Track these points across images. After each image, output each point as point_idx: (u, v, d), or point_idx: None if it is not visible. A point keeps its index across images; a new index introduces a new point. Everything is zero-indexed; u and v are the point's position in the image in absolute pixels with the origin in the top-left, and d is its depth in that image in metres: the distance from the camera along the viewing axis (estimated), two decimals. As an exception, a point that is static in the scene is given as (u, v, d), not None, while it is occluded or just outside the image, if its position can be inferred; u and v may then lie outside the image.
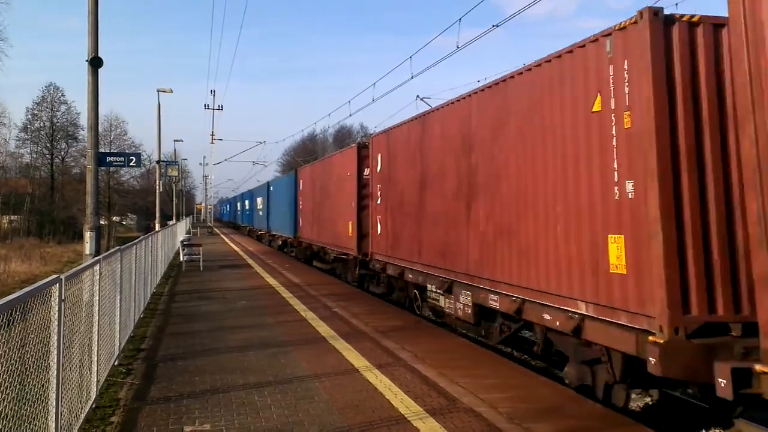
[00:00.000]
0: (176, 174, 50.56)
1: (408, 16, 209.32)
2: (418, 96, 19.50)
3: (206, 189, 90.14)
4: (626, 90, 6.72)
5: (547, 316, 8.18)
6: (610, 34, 6.97)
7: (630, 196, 6.61)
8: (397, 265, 14.46)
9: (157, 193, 35.39)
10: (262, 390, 7.51)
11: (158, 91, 33.78)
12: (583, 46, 7.49)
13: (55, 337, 4.98)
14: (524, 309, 8.81)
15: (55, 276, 5.17)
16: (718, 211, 6.32)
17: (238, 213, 71.17)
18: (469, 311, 10.54)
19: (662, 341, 6.04)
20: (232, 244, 41.94)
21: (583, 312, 7.38)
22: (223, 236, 56.35)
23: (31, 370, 4.56)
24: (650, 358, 6.17)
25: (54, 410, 4.89)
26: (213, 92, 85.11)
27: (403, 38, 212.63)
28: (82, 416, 6.21)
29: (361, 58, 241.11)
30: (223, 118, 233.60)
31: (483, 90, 10.31)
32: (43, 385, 4.81)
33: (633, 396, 7.86)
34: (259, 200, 45.73)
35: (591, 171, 7.28)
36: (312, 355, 9.32)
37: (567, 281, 7.71)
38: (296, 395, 7.29)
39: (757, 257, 5.12)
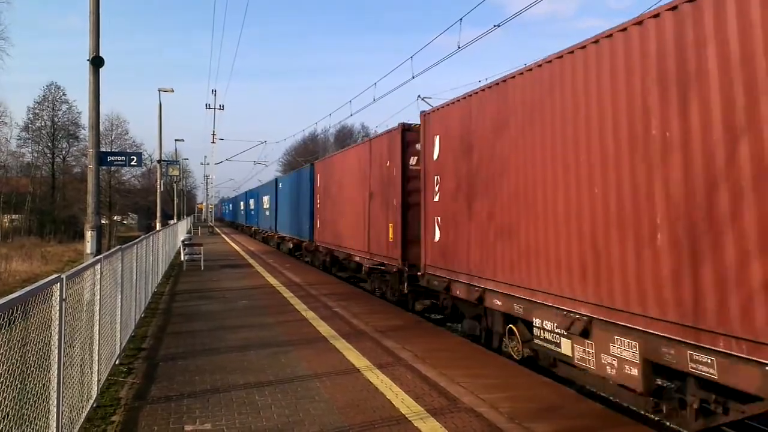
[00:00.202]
0: (177, 173, 50.69)
1: (408, 16, 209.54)
2: (419, 96, 19.44)
3: (207, 188, 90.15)
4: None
5: None
6: None
7: None
8: (471, 285, 10.57)
9: (158, 193, 35.50)
10: (263, 389, 7.52)
11: (159, 90, 34.38)
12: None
13: (56, 337, 4.99)
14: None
15: (56, 275, 5.18)
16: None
17: (241, 212, 68.46)
18: (635, 372, 6.68)
19: None
20: (233, 244, 41.93)
21: None
22: (224, 236, 56.33)
23: (32, 369, 4.56)
24: None
25: (55, 409, 4.90)
26: (214, 92, 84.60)
27: (403, 38, 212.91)
28: (83, 415, 6.22)
29: (362, 58, 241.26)
30: (224, 118, 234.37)
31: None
32: (44, 384, 4.81)
33: None
34: (265, 199, 42.08)
35: None
36: (312, 355, 9.33)
37: None
38: (297, 395, 7.29)
39: None
